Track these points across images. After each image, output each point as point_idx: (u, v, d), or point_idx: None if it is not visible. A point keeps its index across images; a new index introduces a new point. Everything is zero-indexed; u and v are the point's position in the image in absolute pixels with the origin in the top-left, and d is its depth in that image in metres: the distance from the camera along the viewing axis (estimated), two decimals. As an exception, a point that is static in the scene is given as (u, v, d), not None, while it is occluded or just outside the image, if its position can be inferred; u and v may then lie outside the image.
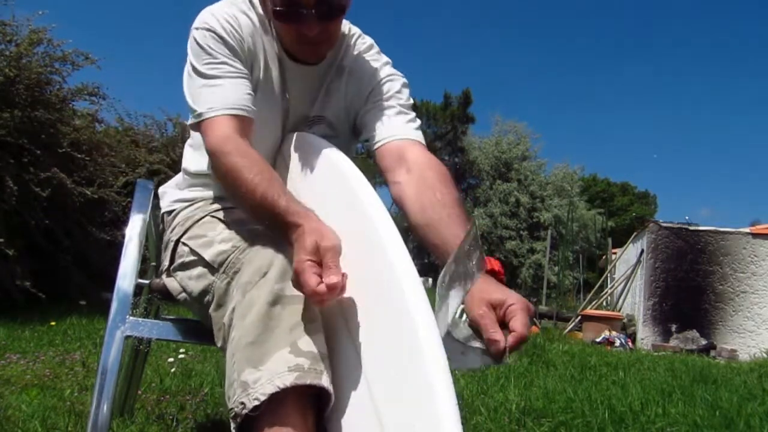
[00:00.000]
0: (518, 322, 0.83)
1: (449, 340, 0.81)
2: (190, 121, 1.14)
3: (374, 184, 1.01)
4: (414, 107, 1.27)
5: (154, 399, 2.02)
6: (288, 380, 0.79)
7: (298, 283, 0.83)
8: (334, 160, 1.07)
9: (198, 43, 1.11)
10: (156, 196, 1.43)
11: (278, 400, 0.79)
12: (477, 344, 0.82)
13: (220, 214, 1.14)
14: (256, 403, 0.79)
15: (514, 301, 0.86)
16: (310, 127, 1.24)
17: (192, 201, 1.28)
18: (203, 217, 1.17)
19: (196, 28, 1.13)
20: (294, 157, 1.19)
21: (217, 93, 1.08)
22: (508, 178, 20.11)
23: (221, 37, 1.11)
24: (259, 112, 1.12)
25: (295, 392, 0.80)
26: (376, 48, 1.29)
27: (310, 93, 1.24)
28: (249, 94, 1.11)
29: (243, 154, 1.02)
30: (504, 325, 0.85)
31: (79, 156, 5.30)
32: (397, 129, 1.19)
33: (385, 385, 0.76)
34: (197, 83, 1.10)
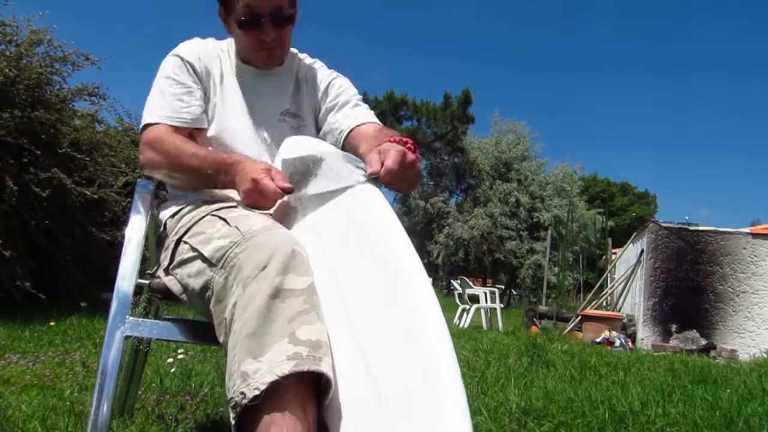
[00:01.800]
0: (390, 159, 1.04)
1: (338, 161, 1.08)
2: (139, 131, 1.39)
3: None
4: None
5: (154, 399, 2.02)
6: (286, 368, 0.81)
7: (258, 189, 1.11)
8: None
9: (163, 66, 1.40)
10: (156, 196, 1.44)
11: (277, 390, 0.81)
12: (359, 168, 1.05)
13: (220, 212, 1.17)
14: (256, 392, 0.81)
15: (394, 148, 1.07)
16: (283, 119, 1.46)
17: (194, 203, 1.30)
18: (204, 216, 1.19)
19: (168, 55, 1.41)
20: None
21: (161, 104, 1.35)
22: (508, 178, 20.11)
23: (182, 59, 1.39)
24: (223, 109, 1.39)
25: (295, 382, 0.82)
26: (320, 62, 1.59)
27: (278, 91, 1.47)
28: (192, 106, 1.36)
29: (181, 140, 1.30)
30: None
31: (79, 156, 5.30)
32: (357, 116, 1.45)
33: (393, 381, 0.76)
34: (150, 98, 1.38)
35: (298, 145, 1.26)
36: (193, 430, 1.75)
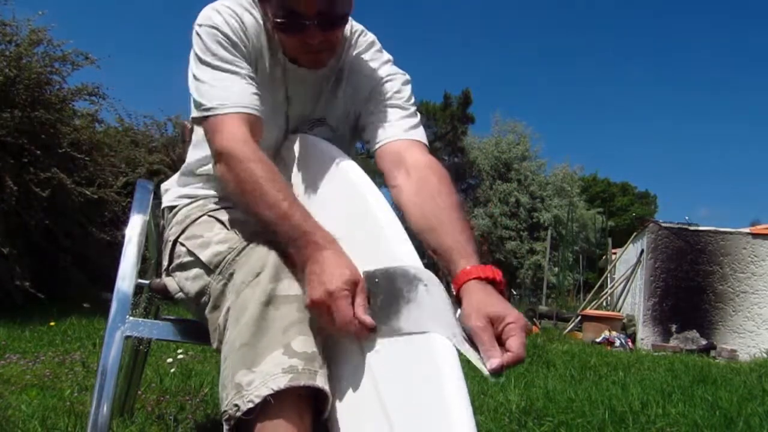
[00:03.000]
0: (516, 342, 0.80)
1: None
2: (194, 115, 1.10)
3: (376, 185, 1.01)
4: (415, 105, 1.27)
5: (154, 399, 2.02)
6: (282, 382, 0.79)
7: (327, 307, 0.83)
8: (338, 162, 1.07)
9: (203, 41, 1.08)
10: (156, 196, 1.43)
11: (273, 403, 0.79)
12: (473, 353, 0.80)
13: (218, 214, 1.14)
14: (250, 405, 0.79)
15: (513, 319, 0.82)
16: (311, 128, 1.23)
17: (193, 198, 1.27)
18: (200, 217, 1.16)
19: (200, 25, 1.09)
20: (297, 160, 1.19)
21: (228, 89, 1.05)
22: (507, 178, 20.10)
23: (226, 35, 1.08)
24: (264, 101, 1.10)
25: (290, 394, 0.80)
26: (377, 45, 1.26)
27: (311, 95, 1.22)
28: (257, 94, 1.08)
29: (262, 162, 0.98)
30: (500, 341, 0.82)
31: (79, 156, 5.30)
32: (395, 129, 1.17)
33: (395, 389, 0.76)
34: (205, 76, 1.07)
35: (318, 154, 1.09)
36: (193, 430, 1.75)
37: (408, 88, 1.24)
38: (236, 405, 0.80)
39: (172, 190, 1.33)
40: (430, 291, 0.80)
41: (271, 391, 0.79)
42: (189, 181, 1.30)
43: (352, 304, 0.82)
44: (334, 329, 0.84)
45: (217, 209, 1.17)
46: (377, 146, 1.17)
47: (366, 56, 1.24)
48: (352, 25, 1.24)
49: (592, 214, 20.15)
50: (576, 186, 20.62)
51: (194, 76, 1.09)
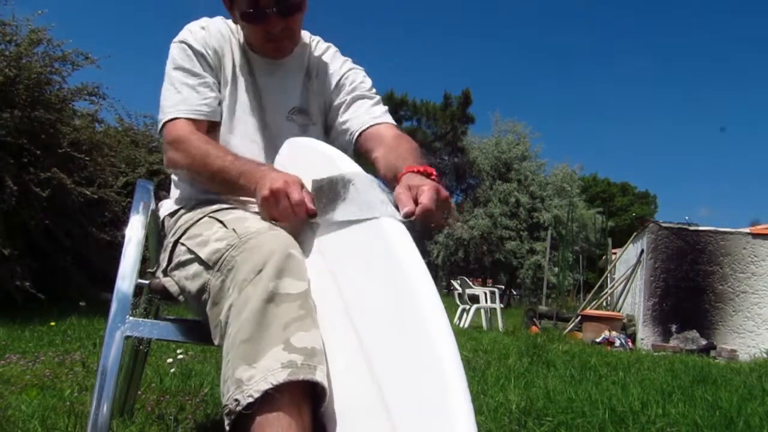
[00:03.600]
0: (425, 197, 0.96)
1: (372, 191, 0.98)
2: (158, 128, 1.32)
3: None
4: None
5: (154, 399, 2.02)
6: (281, 377, 0.81)
7: (277, 200, 1.01)
8: (341, 165, 1.08)
9: (171, 55, 1.31)
10: (156, 196, 1.43)
11: (272, 397, 0.81)
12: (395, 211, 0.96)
13: (218, 215, 1.16)
14: (250, 400, 0.81)
15: (428, 185, 1.00)
16: (291, 114, 1.39)
17: (194, 201, 1.30)
18: (201, 218, 1.18)
19: (174, 42, 1.32)
20: (299, 162, 1.21)
21: (177, 98, 1.27)
22: (507, 178, 20.10)
23: (191, 46, 1.30)
24: (233, 102, 1.33)
25: (290, 389, 0.81)
26: (335, 49, 1.48)
27: (286, 86, 1.39)
28: (208, 98, 1.29)
29: (206, 139, 1.23)
30: (417, 201, 0.98)
31: (79, 156, 5.30)
32: (369, 117, 1.38)
33: (396, 385, 0.76)
34: (166, 89, 1.29)
35: (301, 148, 1.21)
36: (193, 430, 1.75)
37: (369, 80, 1.46)
38: (236, 400, 0.82)
39: (170, 198, 1.40)
40: (358, 188, 0.97)
41: (271, 386, 0.80)
42: (186, 188, 1.35)
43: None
44: (289, 215, 1.01)
45: (218, 210, 1.19)
46: (358, 132, 1.36)
47: (327, 57, 1.45)
48: (311, 36, 1.46)
49: (592, 214, 20.16)
50: (576, 186, 20.63)
51: (164, 86, 1.31)
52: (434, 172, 1.10)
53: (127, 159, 6.67)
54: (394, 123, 1.40)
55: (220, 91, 1.33)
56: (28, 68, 4.93)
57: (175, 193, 1.39)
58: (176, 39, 1.31)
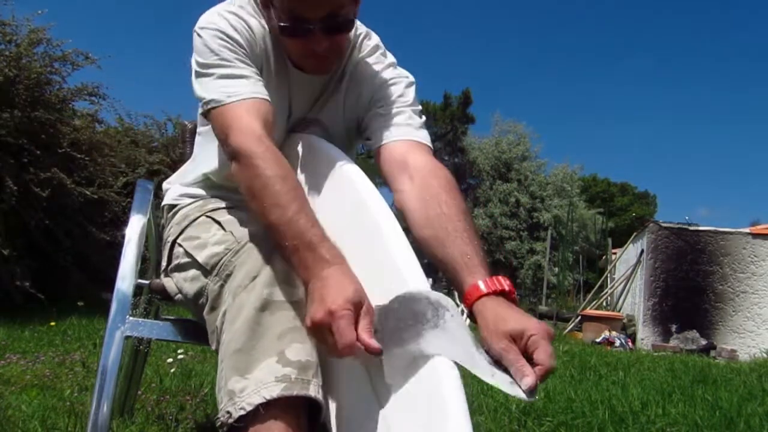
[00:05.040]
0: (543, 354, 0.77)
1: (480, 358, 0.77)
2: (201, 110, 1.07)
3: (375, 185, 0.99)
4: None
5: (154, 399, 2.02)
6: (275, 392, 0.79)
7: (328, 328, 0.76)
8: (342, 165, 1.06)
9: (207, 44, 1.04)
10: (156, 196, 1.43)
11: (265, 410, 0.78)
12: (506, 376, 0.76)
13: (216, 215, 1.13)
14: (242, 413, 0.79)
15: (535, 330, 0.79)
16: (304, 128, 1.21)
17: (193, 198, 1.27)
18: (198, 217, 1.15)
19: (203, 28, 1.06)
20: (300, 162, 1.18)
21: (237, 84, 1.02)
22: (508, 178, 20.09)
23: (232, 38, 1.05)
24: None
25: (283, 402, 0.79)
26: (382, 49, 1.24)
27: (312, 98, 1.21)
28: (265, 89, 1.05)
29: (275, 161, 0.93)
30: (526, 356, 0.79)
31: (79, 156, 5.30)
32: (399, 131, 1.13)
33: (395, 396, 0.75)
34: (211, 76, 1.03)
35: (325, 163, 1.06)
36: (193, 430, 1.75)
37: (412, 91, 1.21)
38: (228, 412, 0.80)
39: (173, 188, 1.33)
40: (455, 318, 0.77)
41: (263, 400, 0.78)
42: (189, 182, 1.31)
43: (356, 325, 0.76)
44: (335, 353, 0.76)
45: (216, 210, 1.16)
46: (379, 145, 1.13)
47: (370, 60, 1.21)
48: (357, 27, 1.20)
49: (592, 214, 20.14)
50: (576, 186, 20.61)
51: (198, 75, 1.05)
52: (509, 285, 0.90)
53: (127, 159, 6.67)
54: (430, 146, 1.14)
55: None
56: (28, 68, 4.93)
57: (176, 182, 1.33)
58: (206, 26, 1.06)
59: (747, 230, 6.86)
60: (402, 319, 0.77)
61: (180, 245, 1.13)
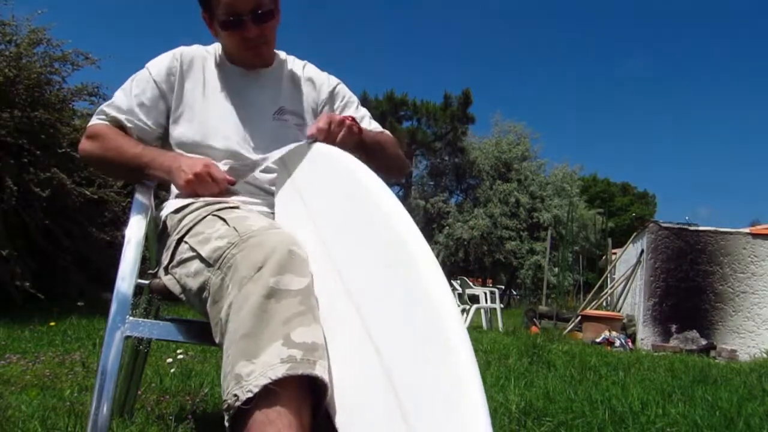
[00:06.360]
0: (319, 121, 1.25)
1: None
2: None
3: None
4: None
5: (154, 399, 2.02)
6: (280, 372, 0.81)
7: (206, 175, 1.27)
8: (346, 163, 1.08)
9: (131, 78, 1.44)
10: (156, 196, 1.43)
11: (271, 392, 0.80)
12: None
13: (221, 213, 1.17)
14: (249, 395, 0.81)
15: (324, 114, 1.28)
16: (282, 114, 1.48)
17: (198, 202, 1.29)
18: (205, 216, 1.19)
19: (146, 67, 1.45)
20: (301, 166, 1.23)
21: (118, 102, 1.40)
22: (508, 178, 20.09)
23: (151, 74, 1.42)
24: (207, 111, 1.42)
25: (289, 384, 0.81)
26: (311, 64, 1.61)
27: (270, 91, 1.49)
28: (141, 120, 1.40)
29: (119, 134, 1.38)
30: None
31: (79, 156, 5.29)
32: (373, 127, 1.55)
33: (406, 375, 0.75)
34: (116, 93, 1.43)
35: (320, 156, 1.23)
36: (193, 430, 1.75)
37: (350, 91, 1.62)
38: (235, 395, 0.82)
39: (173, 197, 1.40)
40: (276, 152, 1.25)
41: (269, 381, 0.80)
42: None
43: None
44: (216, 188, 1.27)
45: (222, 209, 1.20)
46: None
47: (309, 69, 1.58)
48: (286, 54, 1.58)
49: (592, 214, 20.16)
50: (576, 186, 20.62)
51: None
52: (350, 117, 1.30)
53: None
54: (381, 128, 1.59)
55: (168, 118, 1.43)
56: (28, 68, 4.94)
57: (178, 192, 1.39)
58: (146, 65, 1.45)
59: (747, 230, 6.86)
60: (246, 166, 1.31)
61: (185, 242, 1.17)
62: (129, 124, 1.39)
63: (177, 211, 1.32)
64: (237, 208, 1.21)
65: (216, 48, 1.49)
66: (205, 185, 1.26)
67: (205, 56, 1.48)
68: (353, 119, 1.30)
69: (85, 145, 1.39)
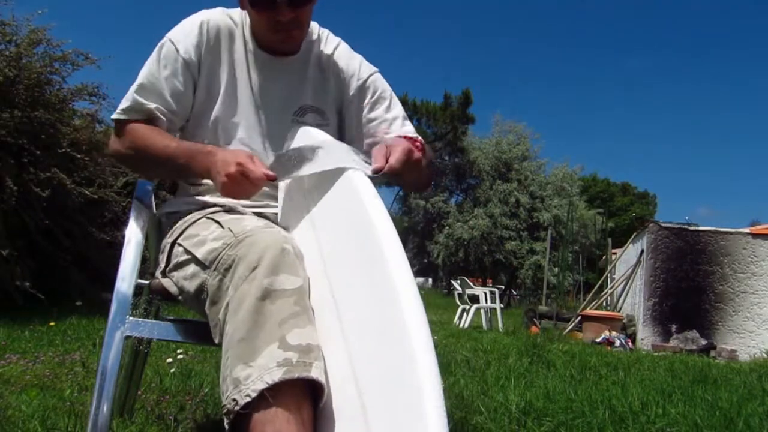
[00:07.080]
0: (393, 157, 1.05)
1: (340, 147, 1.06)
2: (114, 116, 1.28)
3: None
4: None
5: (154, 399, 2.02)
6: (276, 376, 0.81)
7: (239, 175, 1.06)
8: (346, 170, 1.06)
9: (157, 49, 1.28)
10: (156, 196, 1.43)
11: (270, 396, 0.81)
12: (365, 164, 1.03)
13: (215, 215, 1.17)
14: (248, 399, 0.81)
15: (399, 143, 1.09)
16: (302, 115, 1.35)
17: (191, 205, 1.30)
18: (199, 219, 1.19)
19: (167, 37, 1.28)
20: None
21: (138, 98, 1.25)
22: (508, 178, 20.09)
23: (178, 51, 1.26)
24: (231, 102, 1.30)
25: (287, 386, 0.82)
26: (345, 45, 1.43)
27: (295, 84, 1.35)
28: (171, 106, 1.26)
29: (145, 125, 1.23)
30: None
31: (78, 156, 5.30)
32: (394, 129, 1.38)
33: (375, 387, 0.76)
34: (135, 84, 1.27)
35: (308, 137, 1.18)
36: (193, 430, 1.75)
37: (385, 81, 1.43)
38: (234, 399, 0.82)
39: (173, 198, 1.40)
40: (327, 150, 1.04)
41: (267, 385, 0.80)
42: (188, 189, 1.35)
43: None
44: (252, 188, 1.08)
45: (216, 212, 1.20)
46: (374, 141, 1.34)
47: (340, 54, 1.40)
48: (320, 29, 1.41)
49: (592, 214, 20.16)
50: (576, 186, 20.63)
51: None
52: (420, 140, 1.18)
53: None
54: (413, 135, 1.36)
55: (194, 100, 1.30)
56: (28, 68, 4.93)
57: (175, 194, 1.40)
58: (169, 35, 1.28)
59: (747, 230, 6.87)
60: (290, 159, 1.09)
61: (180, 245, 1.16)
62: (160, 116, 1.25)
63: (170, 215, 1.32)
64: (231, 210, 1.20)
65: (243, 18, 1.34)
66: (241, 187, 1.08)
67: (231, 30, 1.31)
68: (422, 147, 1.15)
69: (114, 144, 1.26)
